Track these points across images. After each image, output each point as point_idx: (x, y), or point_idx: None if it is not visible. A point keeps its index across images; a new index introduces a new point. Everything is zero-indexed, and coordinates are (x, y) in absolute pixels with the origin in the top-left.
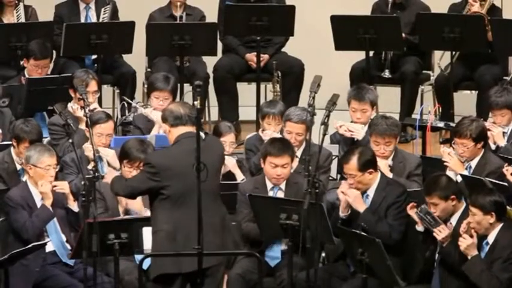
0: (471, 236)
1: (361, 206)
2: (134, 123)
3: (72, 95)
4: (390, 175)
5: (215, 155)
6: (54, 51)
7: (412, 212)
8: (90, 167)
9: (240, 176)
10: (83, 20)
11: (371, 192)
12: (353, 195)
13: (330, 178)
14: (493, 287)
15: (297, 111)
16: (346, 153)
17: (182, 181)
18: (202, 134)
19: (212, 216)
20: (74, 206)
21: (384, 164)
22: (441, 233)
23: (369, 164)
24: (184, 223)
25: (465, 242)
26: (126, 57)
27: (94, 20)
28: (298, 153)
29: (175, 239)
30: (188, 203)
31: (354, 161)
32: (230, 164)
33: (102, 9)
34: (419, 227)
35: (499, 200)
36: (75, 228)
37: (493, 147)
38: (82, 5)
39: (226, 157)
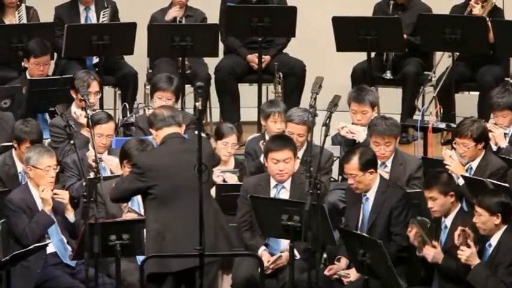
0: (468, 246)
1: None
2: (137, 123)
3: (74, 96)
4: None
5: (202, 155)
6: (55, 53)
7: (411, 235)
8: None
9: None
10: (83, 22)
11: (371, 195)
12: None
13: (332, 179)
14: None
15: (298, 112)
16: (347, 153)
17: (168, 181)
18: (186, 135)
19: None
20: (70, 215)
21: (383, 173)
22: (430, 253)
23: (369, 163)
24: (172, 223)
25: (464, 254)
26: (128, 59)
27: (94, 21)
28: (300, 154)
29: (163, 239)
30: (176, 203)
31: (355, 161)
32: (232, 181)
33: (102, 13)
34: (421, 253)
35: (505, 202)
36: (72, 237)
37: (494, 148)
38: (82, 7)
39: (228, 174)
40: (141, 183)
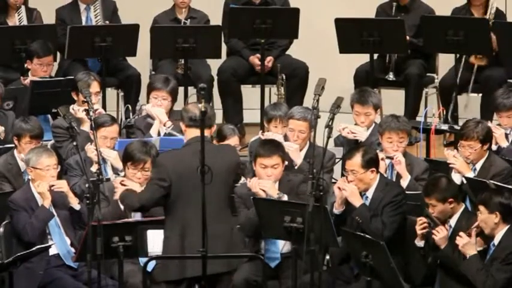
0: (469, 236)
1: (357, 201)
2: (136, 125)
3: (75, 98)
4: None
5: (224, 162)
6: (58, 53)
7: (418, 228)
8: (94, 169)
9: (242, 180)
10: (84, 21)
11: (370, 194)
12: (350, 189)
13: (333, 180)
14: (488, 286)
15: (299, 109)
16: (350, 150)
17: (188, 183)
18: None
19: (217, 223)
20: (75, 204)
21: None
22: (439, 233)
23: (372, 162)
24: (190, 226)
25: (461, 241)
26: (130, 60)
27: (94, 21)
28: (302, 153)
29: (182, 242)
30: (193, 206)
31: (357, 158)
32: None
33: (92, 7)
34: (419, 242)
35: (504, 202)
36: (80, 226)
37: (494, 148)
38: (82, 6)
39: None
40: (163, 189)
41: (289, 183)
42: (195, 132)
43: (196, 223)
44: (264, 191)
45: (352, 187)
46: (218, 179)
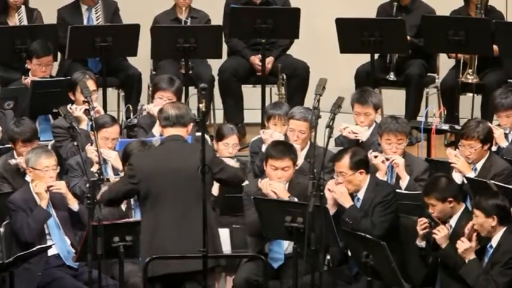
0: (470, 240)
1: (347, 202)
2: (139, 124)
3: (72, 98)
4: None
5: (197, 162)
6: (59, 53)
7: (419, 228)
8: (94, 169)
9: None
10: (85, 22)
11: (361, 195)
12: (339, 191)
13: None
14: None
15: (300, 109)
16: (339, 152)
17: (159, 183)
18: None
19: (189, 222)
20: (73, 205)
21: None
22: (440, 232)
23: (360, 163)
24: (158, 226)
25: (463, 246)
26: (131, 60)
27: (95, 22)
28: (303, 153)
29: (151, 242)
30: (164, 205)
31: (346, 159)
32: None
33: (93, 9)
34: (421, 243)
35: (501, 204)
36: (80, 227)
37: (493, 148)
38: (84, 7)
39: (224, 159)
40: (131, 185)
41: (299, 186)
42: (170, 132)
43: (168, 223)
44: (275, 193)
45: (341, 189)
46: (190, 178)
